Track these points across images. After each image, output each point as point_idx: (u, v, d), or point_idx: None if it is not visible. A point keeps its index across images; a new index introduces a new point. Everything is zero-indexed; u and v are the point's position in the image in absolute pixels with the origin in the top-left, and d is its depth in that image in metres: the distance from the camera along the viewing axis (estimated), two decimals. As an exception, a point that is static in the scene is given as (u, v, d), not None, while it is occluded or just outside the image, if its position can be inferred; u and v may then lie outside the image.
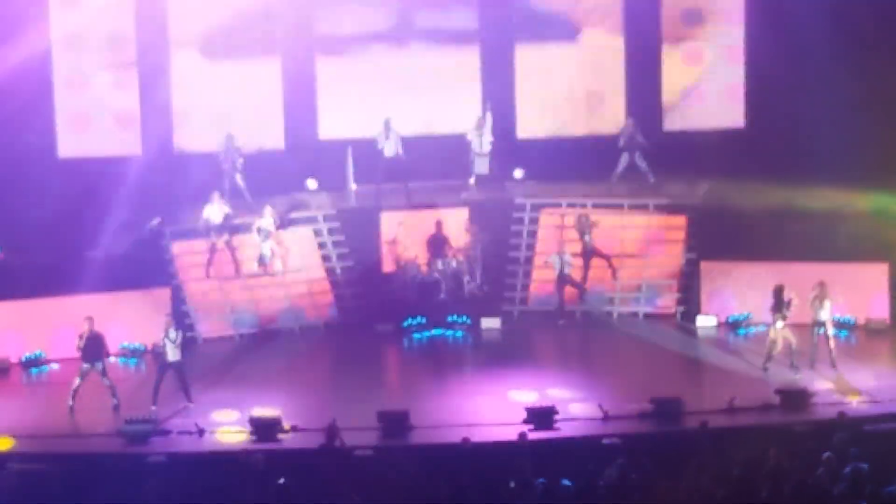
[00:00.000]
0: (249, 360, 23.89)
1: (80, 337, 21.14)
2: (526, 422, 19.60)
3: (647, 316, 25.46)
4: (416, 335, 24.91)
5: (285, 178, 27.66)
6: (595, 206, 26.54)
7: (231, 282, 25.68)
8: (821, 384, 21.02)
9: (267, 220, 25.44)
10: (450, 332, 24.96)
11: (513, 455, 17.51)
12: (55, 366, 23.39)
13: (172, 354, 21.23)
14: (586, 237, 25.36)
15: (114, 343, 22.59)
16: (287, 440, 19.63)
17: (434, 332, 24.94)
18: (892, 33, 26.32)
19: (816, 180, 25.48)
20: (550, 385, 21.51)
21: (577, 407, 20.42)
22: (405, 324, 24.99)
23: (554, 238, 25.97)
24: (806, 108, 26.36)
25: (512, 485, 16.06)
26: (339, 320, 25.59)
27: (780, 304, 21.72)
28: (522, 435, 18.50)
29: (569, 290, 25.28)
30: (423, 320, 25.06)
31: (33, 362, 23.53)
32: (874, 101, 26.05)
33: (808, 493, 15.12)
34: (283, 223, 26.08)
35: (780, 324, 21.73)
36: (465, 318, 25.13)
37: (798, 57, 26.70)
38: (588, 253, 25.38)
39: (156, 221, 25.87)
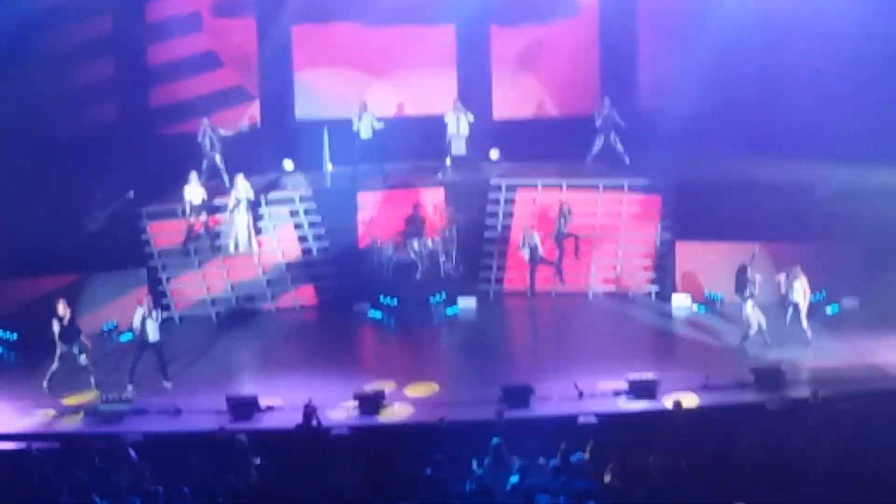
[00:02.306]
0: (226, 340, 23.93)
1: (56, 319, 21.11)
2: (501, 400, 19.80)
3: (622, 295, 25.59)
4: (395, 315, 25.00)
5: (262, 159, 27.67)
6: (570, 186, 26.65)
7: (208, 262, 25.71)
8: (794, 363, 21.17)
9: (241, 190, 25.44)
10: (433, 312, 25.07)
11: (489, 434, 17.59)
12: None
13: (153, 334, 21.28)
14: (561, 220, 25.47)
15: (90, 324, 22.62)
16: (264, 420, 19.72)
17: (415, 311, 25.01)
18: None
19: (791, 158, 25.64)
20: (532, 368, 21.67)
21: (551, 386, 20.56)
22: (381, 303, 25.04)
23: (529, 218, 26.08)
24: (782, 86, 26.51)
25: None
26: (316, 300, 25.65)
27: (744, 284, 21.89)
28: (499, 413, 18.58)
29: (544, 269, 25.44)
30: (397, 301, 25.11)
31: (7, 343, 23.49)
32: (850, 78, 26.14)
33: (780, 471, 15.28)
34: (259, 202, 26.12)
35: (749, 304, 21.89)
36: (442, 295, 25.18)
37: (774, 33, 26.83)
38: (560, 236, 25.51)
39: (129, 194, 25.90)
